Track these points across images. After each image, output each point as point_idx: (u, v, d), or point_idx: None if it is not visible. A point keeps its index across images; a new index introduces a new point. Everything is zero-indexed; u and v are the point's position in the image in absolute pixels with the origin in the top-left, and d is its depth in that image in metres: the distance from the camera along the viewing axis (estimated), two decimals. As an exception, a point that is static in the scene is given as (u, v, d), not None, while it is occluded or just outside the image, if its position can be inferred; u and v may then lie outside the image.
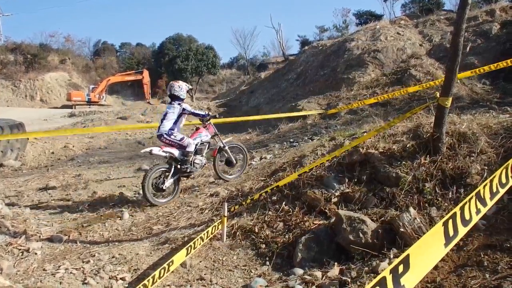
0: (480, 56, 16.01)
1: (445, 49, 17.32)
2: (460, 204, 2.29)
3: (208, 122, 8.92)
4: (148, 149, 8.06)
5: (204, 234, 5.56)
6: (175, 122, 8.37)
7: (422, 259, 2.01)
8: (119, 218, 7.39)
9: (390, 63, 17.79)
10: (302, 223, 5.92)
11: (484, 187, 2.45)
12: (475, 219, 2.25)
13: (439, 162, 5.95)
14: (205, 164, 8.94)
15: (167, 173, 8.08)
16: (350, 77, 17.74)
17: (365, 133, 7.56)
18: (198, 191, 8.48)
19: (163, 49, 55.34)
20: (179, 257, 5.08)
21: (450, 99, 6.01)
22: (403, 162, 6.18)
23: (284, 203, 6.42)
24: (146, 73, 48.84)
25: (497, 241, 4.48)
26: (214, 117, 9.43)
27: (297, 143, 11.42)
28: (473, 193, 2.38)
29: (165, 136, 8.20)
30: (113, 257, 5.85)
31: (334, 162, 6.79)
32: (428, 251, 2.06)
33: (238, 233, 6.12)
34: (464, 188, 5.55)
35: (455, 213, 2.20)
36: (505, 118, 7.39)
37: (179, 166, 8.18)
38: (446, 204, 5.41)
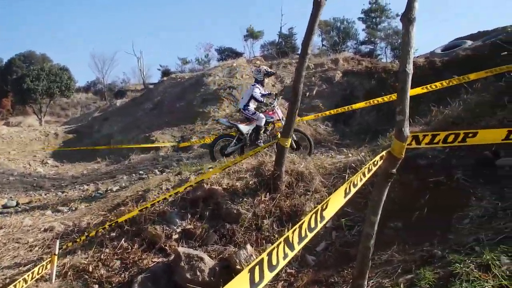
0: (324, 99, 17.24)
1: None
2: (268, 250, 2.34)
3: (274, 107, 9.76)
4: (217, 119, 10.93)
5: (28, 275, 5.07)
6: (250, 100, 9.67)
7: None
8: None
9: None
10: (140, 261, 5.72)
11: (293, 232, 2.55)
12: (282, 263, 2.31)
13: (277, 199, 6.18)
14: (265, 140, 9.92)
15: (230, 142, 9.66)
16: (205, 111, 18.00)
17: (211, 169, 7.61)
18: (31, 226, 7.77)
19: (11, 66, 51.19)
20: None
21: (290, 139, 6.30)
22: (245, 199, 6.31)
23: (123, 239, 6.16)
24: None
25: (324, 277, 4.71)
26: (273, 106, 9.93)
27: (146, 176, 11.17)
28: (282, 239, 2.46)
29: (242, 110, 9.82)
30: None
31: (178, 197, 6.70)
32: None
33: (69, 272, 5.69)
34: (298, 225, 5.79)
35: (262, 259, 2.25)
36: (339, 159, 7.95)
37: (245, 137, 9.55)
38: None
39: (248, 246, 5.29)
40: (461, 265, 3.71)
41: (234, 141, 9.64)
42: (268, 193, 6.35)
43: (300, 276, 4.89)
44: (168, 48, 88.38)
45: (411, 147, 3.62)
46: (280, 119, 9.62)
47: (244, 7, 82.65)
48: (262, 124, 9.48)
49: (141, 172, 12.11)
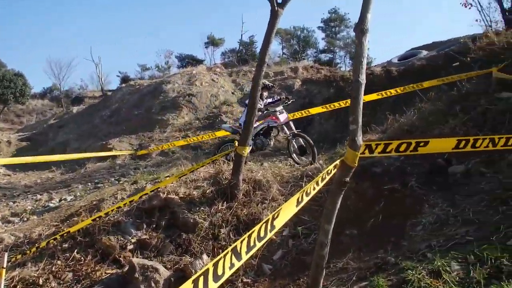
0: (284, 108, 17.30)
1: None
2: (214, 260, 2.32)
3: (276, 112, 9.48)
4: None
5: (-27, 291, 4.87)
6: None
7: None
8: None
9: (204, 108, 18.36)
10: (93, 272, 5.55)
11: (241, 241, 2.53)
12: (228, 273, 2.29)
13: (234, 208, 6.15)
14: (268, 145, 9.70)
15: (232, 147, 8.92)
16: (164, 119, 17.82)
17: (168, 177, 7.52)
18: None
19: (-40, 70, 49.25)
20: None
21: (247, 148, 6.29)
22: (202, 208, 6.25)
23: (76, 251, 5.96)
24: None
25: (280, 285, 4.72)
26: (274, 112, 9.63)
27: (102, 185, 10.93)
28: (230, 249, 2.44)
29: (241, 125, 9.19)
30: None
31: (133, 207, 6.57)
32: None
33: (18, 286, 5.46)
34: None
35: (207, 270, 2.22)
36: (297, 168, 8.00)
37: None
38: (238, 250, 5.56)
39: (204, 256, 5.24)
40: (413, 272, 3.77)
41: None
42: (225, 202, 6.31)
43: (256, 286, 4.88)
44: (128, 54, 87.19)
45: (365, 155, 3.66)
46: (282, 123, 9.48)
47: (206, 14, 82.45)
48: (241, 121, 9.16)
49: (96, 181, 11.83)
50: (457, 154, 6.89)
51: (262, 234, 2.71)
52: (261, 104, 9.42)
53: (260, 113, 9.46)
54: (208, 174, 7.05)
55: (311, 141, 9.45)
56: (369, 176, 6.79)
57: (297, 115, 11.34)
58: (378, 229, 5.87)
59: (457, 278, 3.62)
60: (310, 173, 7.09)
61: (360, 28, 3.18)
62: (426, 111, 8.89)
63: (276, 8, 6.24)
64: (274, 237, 5.82)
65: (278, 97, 10.01)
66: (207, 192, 6.53)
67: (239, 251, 2.50)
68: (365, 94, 9.60)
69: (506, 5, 11.91)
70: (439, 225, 5.28)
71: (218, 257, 2.37)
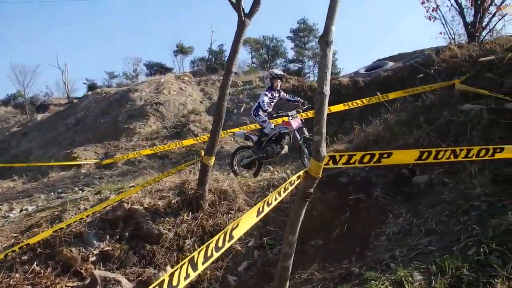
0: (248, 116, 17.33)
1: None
2: (170, 271, 2.29)
3: (289, 116, 8.88)
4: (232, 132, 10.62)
5: None
6: (259, 107, 9.14)
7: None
8: None
9: (171, 117, 18.19)
10: (53, 285, 5.41)
11: (199, 252, 2.50)
12: (183, 284, 2.26)
13: (200, 219, 6.10)
14: (279, 153, 9.07)
15: (246, 153, 9.40)
16: (131, 127, 17.58)
17: (133, 187, 7.40)
18: None
19: None
20: None
21: (213, 158, 6.25)
22: (167, 219, 6.17)
23: (35, 263, 5.79)
24: None
25: (244, 297, 4.67)
26: (286, 115, 9.01)
27: (65, 194, 10.67)
28: (187, 260, 2.41)
29: (251, 114, 9.45)
30: None
31: (96, 217, 6.43)
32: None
33: (-27, 300, 5.30)
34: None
35: (163, 280, 2.19)
36: (264, 177, 7.99)
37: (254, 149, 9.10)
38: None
39: (168, 268, 5.17)
40: (377, 282, 3.79)
41: (250, 151, 9.27)
42: (191, 212, 6.24)
43: (221, 297, 4.83)
44: (96, 61, 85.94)
45: (329, 166, 3.66)
46: (294, 129, 8.84)
47: (175, 23, 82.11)
48: (268, 131, 9.02)
49: (59, 190, 11.55)
50: (421, 165, 6.99)
51: (220, 244, 2.68)
52: (275, 97, 9.30)
53: (273, 112, 9.40)
54: (174, 184, 6.96)
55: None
56: (335, 186, 6.82)
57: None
58: (344, 239, 5.90)
59: (420, 288, 3.65)
60: (276, 183, 7.08)
61: (325, 40, 3.19)
62: (391, 121, 9.02)
63: (243, 18, 6.25)
64: (240, 248, 5.79)
65: (297, 98, 9.66)
66: (172, 202, 6.45)
67: (195, 261, 2.47)
68: (332, 104, 9.73)
69: (469, 19, 12.20)
70: (402, 235, 5.34)
71: (175, 268, 2.34)
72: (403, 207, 6.36)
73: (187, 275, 2.38)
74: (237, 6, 6.20)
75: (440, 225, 5.19)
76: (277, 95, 9.33)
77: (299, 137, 8.80)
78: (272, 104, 9.34)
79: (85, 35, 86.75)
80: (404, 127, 8.32)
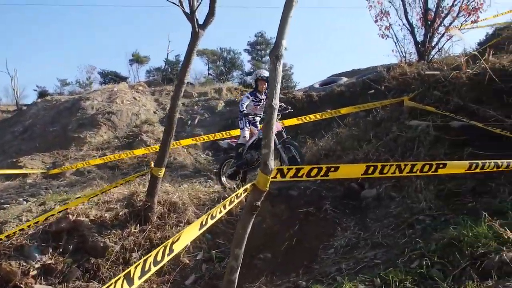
0: (206, 129, 17.21)
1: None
2: (105, 287, 2.22)
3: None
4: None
5: None
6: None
7: None
8: None
9: (124, 127, 17.85)
10: (-10, 301, 5.17)
11: (136, 267, 2.44)
12: None
13: (148, 231, 5.98)
14: (258, 159, 8.35)
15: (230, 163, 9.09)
16: (81, 137, 17.11)
17: (79, 198, 7.19)
18: None
19: None
20: None
21: (163, 170, 6.16)
22: (114, 231, 6.02)
23: (-28, 277, 5.54)
24: None
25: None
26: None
27: (8, 205, 10.23)
28: (122, 274, 2.35)
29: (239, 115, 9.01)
30: None
31: (39, 229, 6.19)
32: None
33: None
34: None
35: None
36: (215, 189, 7.93)
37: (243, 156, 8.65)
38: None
39: (113, 282, 5.01)
40: (323, 296, 3.79)
41: (233, 161, 8.95)
42: (138, 225, 6.11)
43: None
44: (48, 68, 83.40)
45: (277, 180, 3.67)
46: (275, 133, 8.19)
47: (131, 31, 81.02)
48: (241, 140, 8.81)
49: (2, 201, 11.04)
50: (370, 179, 7.13)
51: (159, 258, 2.63)
52: (260, 99, 8.85)
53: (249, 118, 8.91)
54: (122, 195, 6.81)
55: (299, 149, 8.55)
56: (285, 199, 6.85)
57: (217, 136, 11.26)
58: (292, 252, 5.92)
59: (363, 301, 3.69)
60: (227, 195, 7.03)
61: (275, 54, 3.21)
62: (343, 136, 9.17)
63: (197, 29, 6.22)
64: (188, 261, 5.71)
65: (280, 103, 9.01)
66: (120, 214, 6.29)
67: (132, 276, 2.41)
68: (286, 117, 9.79)
69: (419, 38, 12.59)
70: (350, 248, 5.41)
71: (108, 284, 2.27)
72: (351, 220, 6.45)
73: (123, 291, 2.32)
74: (191, 17, 6.18)
75: (386, 239, 5.29)
76: (264, 97, 8.78)
77: (278, 141, 8.14)
78: (259, 107, 8.94)
79: (37, 40, 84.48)
80: (354, 141, 8.47)
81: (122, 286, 2.32)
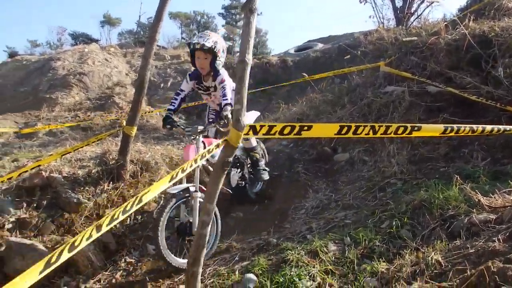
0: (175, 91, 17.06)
1: (149, 81, 18.00)
2: (77, 236, 2.31)
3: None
4: None
5: None
6: None
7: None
8: None
9: (96, 88, 17.55)
10: (-36, 254, 5.15)
11: (106, 217, 2.56)
12: (84, 244, 2.38)
13: (121, 189, 5.99)
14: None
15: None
16: (52, 97, 16.77)
17: (51, 155, 7.13)
18: None
19: None
20: None
21: (135, 128, 6.14)
22: (87, 188, 5.99)
23: None
24: None
25: (163, 265, 4.68)
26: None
27: (-21, 163, 10.12)
28: (94, 224, 2.45)
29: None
30: None
31: (13, 185, 6.14)
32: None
33: None
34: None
35: (66, 242, 2.25)
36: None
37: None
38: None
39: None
40: (293, 252, 3.89)
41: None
42: (111, 182, 6.10)
43: (140, 266, 4.84)
44: (18, 30, 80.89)
45: (249, 136, 3.70)
46: None
47: (103, -8, 78.81)
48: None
49: (-26, 159, 10.94)
50: (343, 143, 7.24)
51: (128, 207, 2.68)
52: (212, 86, 5.85)
53: None
54: (95, 154, 6.76)
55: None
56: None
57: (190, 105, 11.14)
58: (264, 213, 6.03)
59: (333, 258, 3.80)
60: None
61: (249, 7, 3.17)
62: (317, 101, 9.21)
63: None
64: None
65: None
66: (93, 172, 6.26)
67: (101, 224, 2.47)
68: (260, 83, 9.80)
69: (398, 4, 12.59)
70: (321, 209, 5.53)
71: (84, 231, 2.34)
72: (323, 183, 6.57)
73: (90, 236, 2.38)
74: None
75: (357, 200, 5.42)
76: (212, 84, 5.85)
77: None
78: (210, 98, 6.29)
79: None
80: (328, 106, 8.54)
81: (91, 232, 2.38)
